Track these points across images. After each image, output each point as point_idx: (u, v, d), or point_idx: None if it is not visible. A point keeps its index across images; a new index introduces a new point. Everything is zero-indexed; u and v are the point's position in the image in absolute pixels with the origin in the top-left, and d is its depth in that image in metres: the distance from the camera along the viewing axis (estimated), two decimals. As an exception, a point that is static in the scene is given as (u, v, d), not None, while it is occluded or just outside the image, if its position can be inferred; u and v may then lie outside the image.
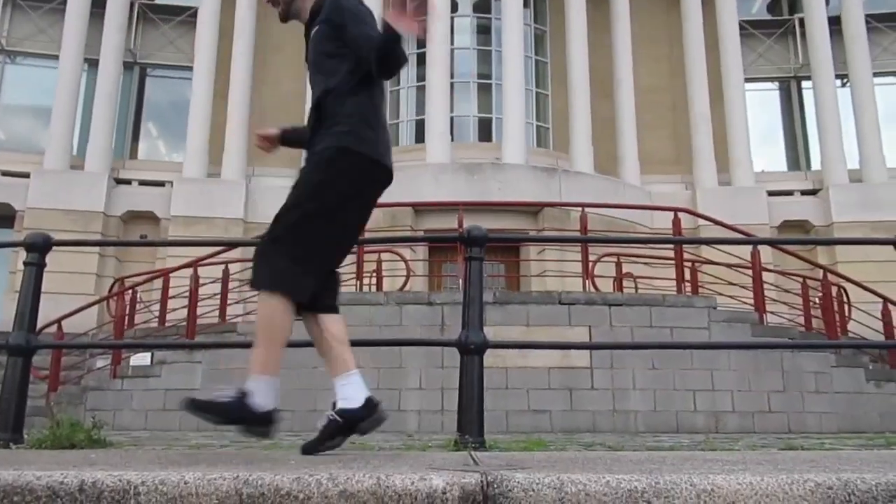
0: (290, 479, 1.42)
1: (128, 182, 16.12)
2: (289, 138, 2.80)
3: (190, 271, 8.99)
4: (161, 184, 15.99)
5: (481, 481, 1.42)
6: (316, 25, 2.65)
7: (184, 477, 1.42)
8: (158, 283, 10.65)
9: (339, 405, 2.56)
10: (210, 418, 2.39)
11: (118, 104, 16.45)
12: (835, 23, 16.91)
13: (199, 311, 8.66)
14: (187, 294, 8.75)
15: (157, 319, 10.20)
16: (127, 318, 9.77)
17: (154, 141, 18.38)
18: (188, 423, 7.48)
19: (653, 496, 1.37)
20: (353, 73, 2.53)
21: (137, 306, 10.86)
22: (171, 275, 9.72)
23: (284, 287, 2.46)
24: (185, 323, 8.83)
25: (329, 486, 1.41)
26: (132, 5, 17.05)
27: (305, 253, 2.44)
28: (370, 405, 2.56)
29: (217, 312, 9.50)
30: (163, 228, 15.50)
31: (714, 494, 1.38)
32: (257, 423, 2.43)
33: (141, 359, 8.71)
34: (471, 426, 2.94)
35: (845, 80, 16.92)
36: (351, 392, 2.58)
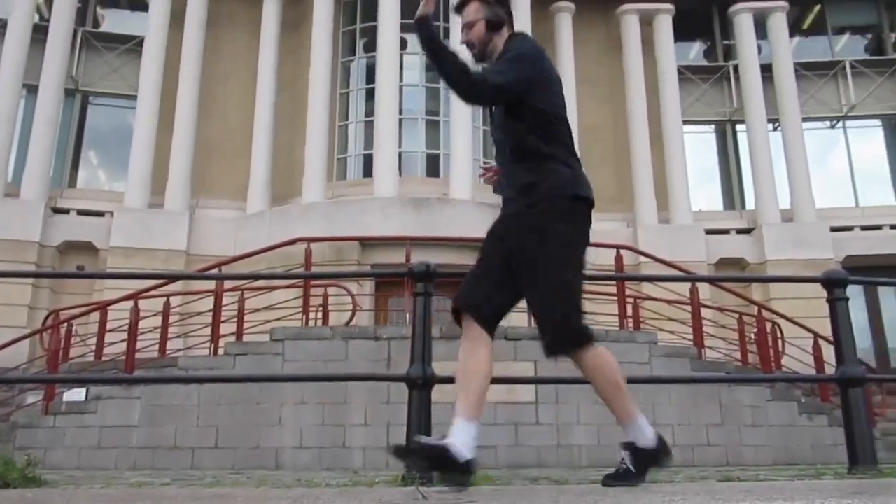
0: (238, 516, 1.42)
1: (66, 211, 15.66)
2: None
3: (129, 304, 8.77)
4: (101, 214, 15.58)
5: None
6: None
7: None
8: (95, 315, 10.35)
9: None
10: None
11: (58, 132, 16.06)
12: (767, 70, 17.76)
13: (138, 344, 8.44)
14: (126, 327, 8.53)
15: (93, 353, 9.89)
16: (62, 351, 9.44)
17: (94, 170, 17.97)
18: (124, 462, 7.25)
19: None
20: None
21: (73, 340, 10.51)
22: (109, 307, 9.46)
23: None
24: (122, 357, 8.58)
25: (277, 523, 1.40)
26: (75, 32, 16.77)
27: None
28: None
29: (157, 346, 9.26)
30: (101, 259, 15.07)
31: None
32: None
33: (75, 394, 8.41)
34: (417, 461, 2.94)
35: (777, 125, 17.73)
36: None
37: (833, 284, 3.41)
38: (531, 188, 2.70)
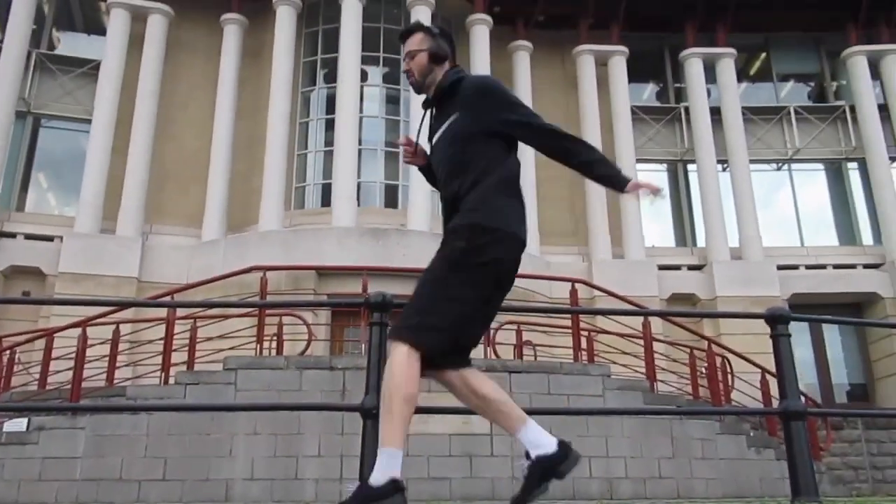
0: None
1: (12, 235, 15.23)
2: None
3: (76, 331, 8.55)
4: (50, 238, 15.20)
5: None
6: None
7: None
8: (39, 343, 10.05)
9: (534, 453, 2.63)
10: None
11: (7, 154, 15.68)
12: (716, 113, 18.40)
13: (85, 373, 8.20)
14: (72, 355, 8.30)
15: (36, 382, 9.58)
16: (3, 380, 9.13)
17: (44, 193, 17.55)
18: (66, 495, 7.00)
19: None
20: None
21: (15, 368, 10.18)
22: (55, 335, 9.20)
23: None
24: (68, 386, 8.33)
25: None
26: (29, 54, 16.49)
27: None
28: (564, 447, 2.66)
29: (104, 375, 9.02)
30: (49, 285, 14.66)
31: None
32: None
33: (16, 424, 8.12)
34: (372, 492, 2.93)
35: (726, 165, 18.32)
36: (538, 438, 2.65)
37: (776, 321, 3.55)
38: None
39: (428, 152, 3.05)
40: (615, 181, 2.75)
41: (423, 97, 3.01)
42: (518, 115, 2.83)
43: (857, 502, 3.31)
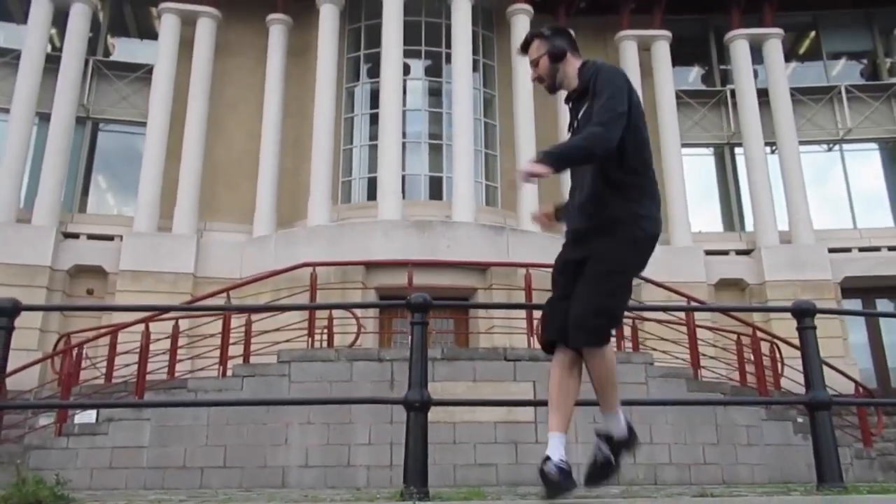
0: (256, 521, 1.66)
1: (76, 236, 15.99)
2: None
3: (139, 327, 9.02)
4: (110, 238, 15.92)
5: (419, 520, 1.68)
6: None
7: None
8: (103, 339, 10.59)
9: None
10: None
11: (69, 158, 16.43)
12: (763, 94, 18.07)
13: (147, 367, 8.66)
14: (134, 350, 8.77)
15: (102, 376, 10.13)
16: (73, 375, 9.67)
17: (104, 195, 18.33)
18: (135, 482, 7.47)
19: (561, 530, 1.65)
20: None
21: (83, 363, 10.75)
22: (120, 331, 9.70)
23: None
24: (132, 380, 8.82)
25: (290, 526, 1.64)
26: (87, 62, 17.20)
27: None
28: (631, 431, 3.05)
29: (166, 369, 9.50)
30: (111, 282, 15.37)
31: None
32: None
33: (86, 416, 8.64)
34: (415, 479, 3.18)
35: (774, 148, 18.01)
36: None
37: (802, 314, 3.66)
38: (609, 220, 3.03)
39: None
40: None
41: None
42: (596, 103, 2.96)
43: (883, 487, 3.41)
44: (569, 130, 3.12)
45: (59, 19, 17.17)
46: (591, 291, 2.90)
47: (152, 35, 18.41)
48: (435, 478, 3.30)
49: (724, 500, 2.63)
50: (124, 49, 18.91)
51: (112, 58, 18.45)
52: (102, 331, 10.57)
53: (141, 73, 17.66)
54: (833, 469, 3.24)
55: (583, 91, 3.05)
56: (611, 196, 2.96)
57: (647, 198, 2.97)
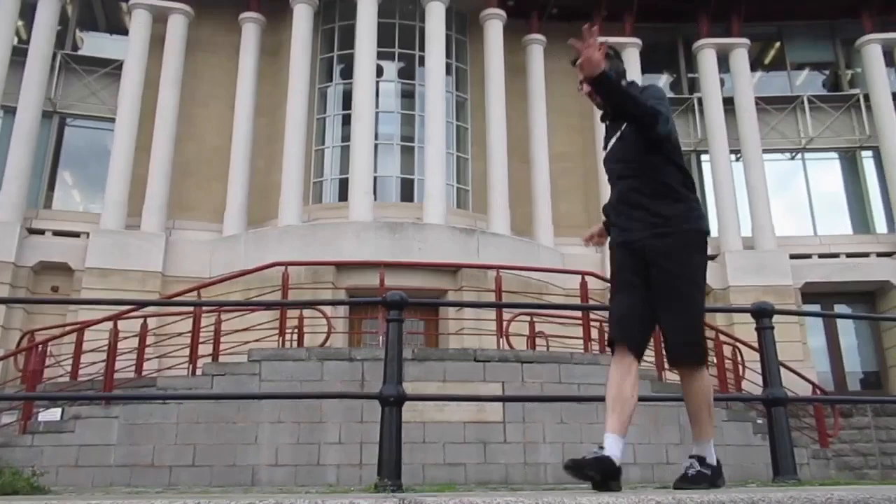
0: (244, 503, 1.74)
1: (41, 232, 15.74)
2: None
3: (105, 325, 8.96)
4: (76, 235, 15.70)
5: (398, 502, 1.77)
6: None
7: (152, 503, 1.72)
8: (68, 337, 10.47)
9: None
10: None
11: (34, 153, 16.16)
12: (729, 103, 18.49)
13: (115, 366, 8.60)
14: (101, 348, 8.71)
15: (67, 375, 10.01)
16: (37, 372, 9.55)
17: (70, 191, 18.07)
18: (102, 480, 7.42)
19: (532, 513, 1.76)
20: None
21: (47, 360, 10.61)
22: (86, 328, 9.61)
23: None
24: (99, 378, 8.75)
25: (274, 510, 1.72)
26: (54, 55, 16.95)
27: None
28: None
29: (133, 368, 9.43)
30: (76, 280, 15.15)
31: (579, 511, 1.78)
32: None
33: (51, 414, 8.56)
34: (389, 472, 3.26)
35: (739, 155, 18.43)
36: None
37: (761, 314, 3.83)
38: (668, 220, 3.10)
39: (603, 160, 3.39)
40: None
41: None
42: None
43: (836, 480, 3.58)
44: (604, 149, 3.27)
45: (27, 11, 16.90)
46: (697, 307, 3.09)
47: (122, 30, 18.22)
48: (404, 477, 3.37)
49: (685, 494, 2.74)
50: (93, 44, 18.66)
51: (80, 52, 18.20)
52: (68, 328, 10.45)
53: (110, 69, 17.45)
54: (788, 463, 3.41)
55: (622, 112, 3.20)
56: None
57: None
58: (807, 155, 19.35)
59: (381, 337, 10.26)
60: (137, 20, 17.05)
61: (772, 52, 20.57)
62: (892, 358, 17.06)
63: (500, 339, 9.33)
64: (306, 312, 10.26)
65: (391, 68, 18.22)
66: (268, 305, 9.07)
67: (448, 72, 17.65)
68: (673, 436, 8.28)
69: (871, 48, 18.68)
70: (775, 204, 17.87)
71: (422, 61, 17.52)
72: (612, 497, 1.88)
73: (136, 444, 7.59)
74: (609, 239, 3.34)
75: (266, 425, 7.62)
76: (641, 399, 8.13)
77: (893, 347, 17.06)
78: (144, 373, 9.45)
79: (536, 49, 18.60)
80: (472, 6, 18.40)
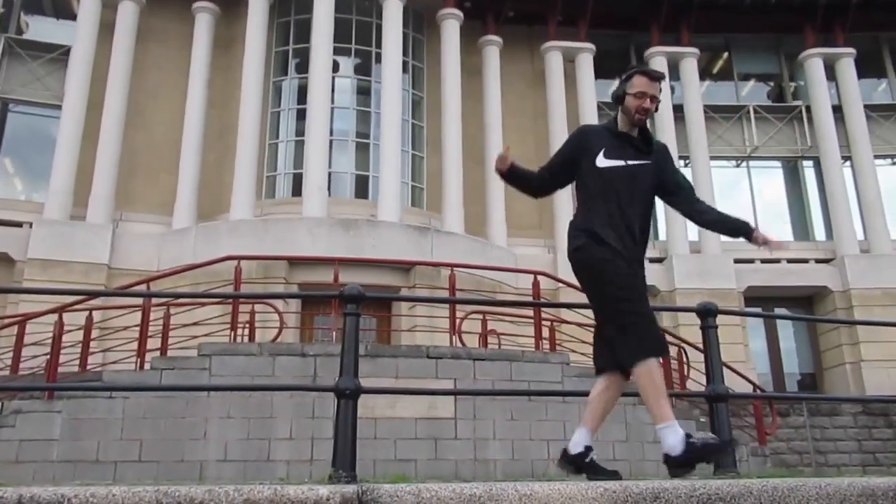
0: (203, 491, 1.76)
1: (-21, 221, 15.21)
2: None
3: (48, 318, 8.73)
4: (18, 224, 15.21)
5: (357, 490, 1.82)
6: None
7: (111, 490, 1.72)
8: (8, 329, 10.15)
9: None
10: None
11: (-26, 139, 15.61)
12: (678, 110, 18.96)
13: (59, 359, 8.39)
14: (43, 342, 8.48)
15: (7, 368, 9.72)
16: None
17: (12, 179, 17.49)
18: (43, 476, 7.24)
19: (487, 499, 1.83)
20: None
21: (-15, 353, 10.28)
22: (29, 321, 9.35)
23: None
24: (41, 372, 8.52)
25: (235, 496, 1.75)
26: (-2, 39, 16.41)
27: None
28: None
29: (78, 361, 9.20)
30: (17, 271, 14.68)
31: (532, 497, 1.85)
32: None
33: (-11, 409, 8.30)
34: (344, 463, 3.30)
35: (687, 161, 18.89)
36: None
37: (706, 314, 3.99)
38: None
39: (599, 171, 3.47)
40: (743, 230, 3.51)
41: None
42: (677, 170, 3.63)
43: (772, 473, 3.76)
44: (611, 158, 3.41)
45: (-32, -7, 16.32)
46: None
47: (70, 15, 17.71)
48: (356, 471, 3.41)
49: (631, 483, 2.85)
50: (39, 28, 18.10)
51: (25, 36, 17.63)
52: (8, 321, 10.14)
53: (57, 55, 16.96)
54: (728, 457, 3.56)
55: (648, 140, 3.49)
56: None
57: None
58: (751, 163, 19.98)
59: (333, 333, 10.23)
60: (86, 5, 16.60)
61: (720, 63, 21.17)
62: (828, 360, 17.75)
63: (453, 337, 9.40)
64: (258, 308, 10.16)
65: (347, 64, 18.15)
66: (222, 297, 8.95)
67: (404, 70, 17.66)
68: (619, 433, 8.49)
69: (813, 62, 19.39)
70: (721, 209, 18.24)
71: (378, 58, 17.51)
72: (562, 484, 1.96)
73: (80, 439, 7.42)
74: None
75: (215, 420, 7.53)
76: (584, 393, 8.27)
77: (829, 350, 17.75)
78: (89, 367, 9.22)
79: (492, 50, 18.76)
80: (430, 5, 18.45)
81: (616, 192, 3.40)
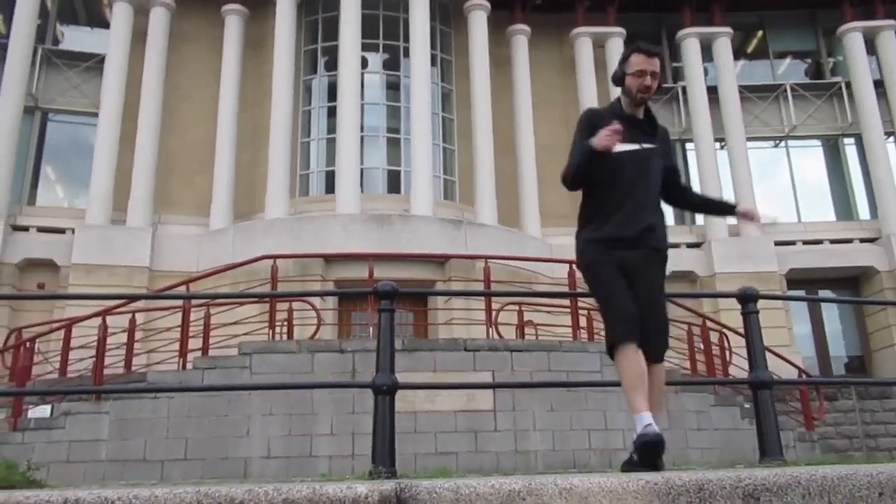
0: (243, 491, 1.77)
1: (25, 229, 15.61)
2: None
3: (94, 321, 8.92)
4: (61, 231, 15.59)
5: (395, 487, 1.81)
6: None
7: (153, 492, 1.74)
8: (56, 333, 10.41)
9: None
10: None
11: (17, 149, 16.01)
12: (713, 91, 18.56)
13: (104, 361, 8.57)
14: (89, 345, 8.67)
15: (55, 371, 9.97)
16: (26, 369, 9.50)
17: (54, 187, 17.91)
18: (93, 475, 7.42)
19: (526, 494, 1.81)
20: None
21: (35, 358, 10.56)
22: (75, 325, 9.57)
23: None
24: (88, 374, 8.73)
25: (274, 495, 1.76)
26: (35, 50, 16.77)
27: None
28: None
29: (122, 363, 9.39)
30: (62, 276, 15.06)
31: (572, 492, 1.82)
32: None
33: (40, 411, 8.54)
34: (384, 459, 3.30)
35: (723, 144, 18.55)
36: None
37: (746, 300, 3.90)
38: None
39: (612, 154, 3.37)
40: (728, 209, 3.55)
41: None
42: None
43: (821, 460, 3.67)
44: (625, 142, 3.30)
45: (5, 5, 16.71)
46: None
47: (103, 23, 18.05)
48: (396, 466, 3.41)
49: (673, 474, 2.81)
50: (74, 37, 18.48)
51: (61, 46, 18.02)
52: (56, 325, 10.40)
53: (92, 63, 17.30)
54: (774, 444, 3.48)
55: (651, 120, 3.44)
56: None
57: None
58: (790, 143, 19.51)
59: (370, 329, 10.30)
60: (119, 13, 16.89)
61: (754, 42, 20.69)
62: (876, 342, 17.29)
63: (490, 329, 9.38)
64: (295, 305, 10.26)
65: (376, 60, 18.17)
66: (259, 297, 9.06)
67: (433, 63, 17.62)
68: (661, 421, 8.33)
69: (853, 36, 18.84)
70: (759, 191, 18.02)
71: (406, 53, 17.48)
72: (602, 477, 1.93)
73: (127, 439, 7.59)
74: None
75: (257, 418, 7.63)
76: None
77: (877, 331, 17.29)
78: (134, 368, 9.41)
79: (521, 40, 18.60)
80: (457, -3, 18.36)
81: (629, 176, 3.33)
